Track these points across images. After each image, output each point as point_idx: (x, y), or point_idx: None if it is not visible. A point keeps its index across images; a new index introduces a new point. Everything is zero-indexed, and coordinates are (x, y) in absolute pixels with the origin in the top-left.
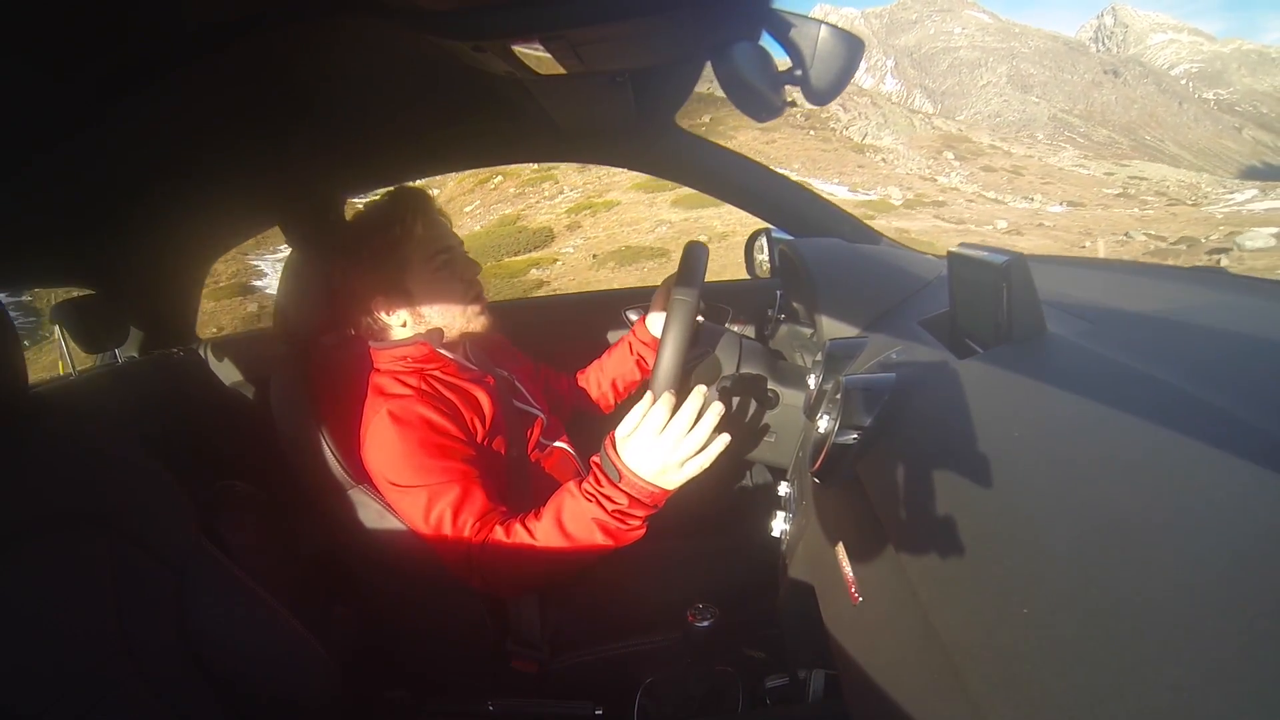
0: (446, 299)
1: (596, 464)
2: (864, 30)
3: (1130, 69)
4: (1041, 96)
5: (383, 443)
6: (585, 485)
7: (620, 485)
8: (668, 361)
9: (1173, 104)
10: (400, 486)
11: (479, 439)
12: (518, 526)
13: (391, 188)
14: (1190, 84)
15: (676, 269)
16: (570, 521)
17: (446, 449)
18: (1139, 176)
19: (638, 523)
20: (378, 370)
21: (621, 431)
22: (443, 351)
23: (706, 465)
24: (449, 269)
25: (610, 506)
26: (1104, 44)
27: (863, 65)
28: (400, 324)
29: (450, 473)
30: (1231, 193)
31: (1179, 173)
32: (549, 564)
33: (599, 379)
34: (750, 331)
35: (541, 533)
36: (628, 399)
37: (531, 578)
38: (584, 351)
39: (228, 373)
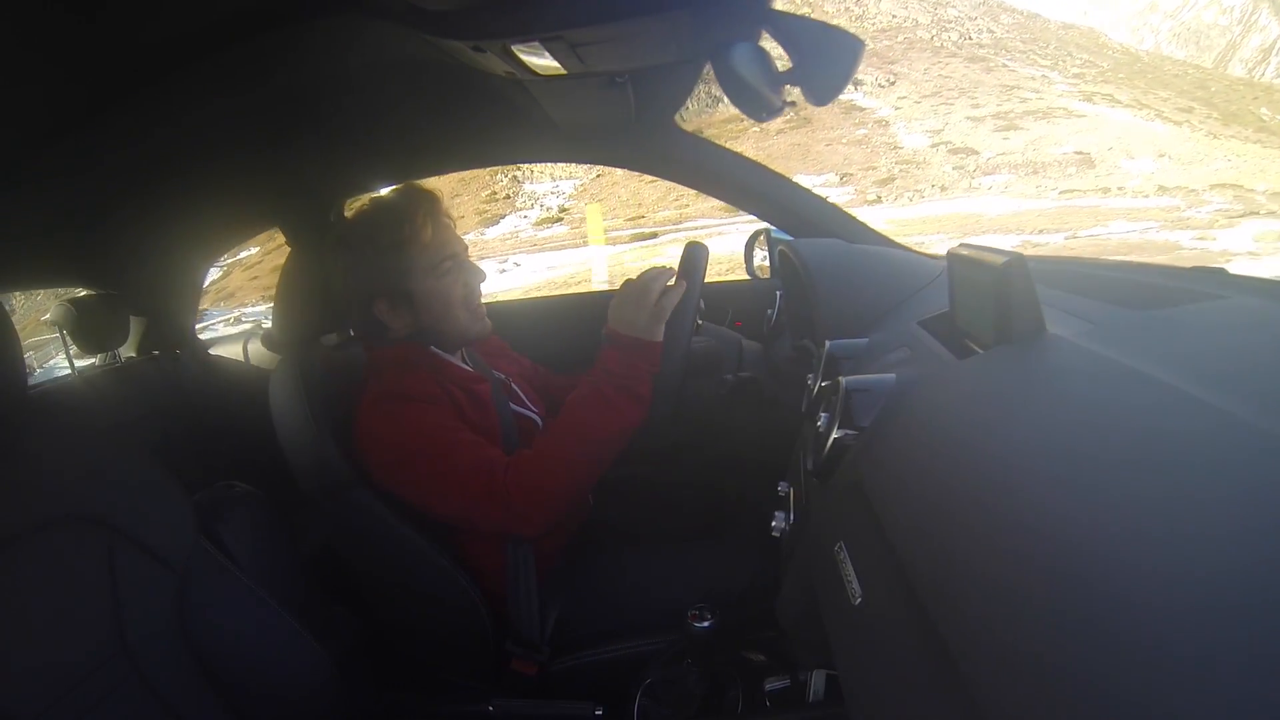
0: (448, 305)
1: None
2: None
3: None
4: None
5: (384, 430)
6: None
7: (609, 346)
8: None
9: None
10: (406, 462)
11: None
12: (537, 440)
13: (396, 186)
14: None
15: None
16: (579, 402)
17: (448, 426)
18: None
19: (639, 373)
20: (376, 370)
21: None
22: (438, 352)
23: (669, 306)
24: (453, 275)
25: (607, 368)
26: None
27: None
28: (400, 325)
29: (458, 431)
30: None
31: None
32: (575, 447)
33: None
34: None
35: (558, 424)
36: None
37: (560, 475)
38: (584, 352)
39: (228, 372)
